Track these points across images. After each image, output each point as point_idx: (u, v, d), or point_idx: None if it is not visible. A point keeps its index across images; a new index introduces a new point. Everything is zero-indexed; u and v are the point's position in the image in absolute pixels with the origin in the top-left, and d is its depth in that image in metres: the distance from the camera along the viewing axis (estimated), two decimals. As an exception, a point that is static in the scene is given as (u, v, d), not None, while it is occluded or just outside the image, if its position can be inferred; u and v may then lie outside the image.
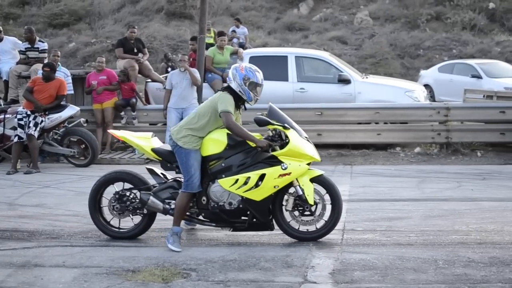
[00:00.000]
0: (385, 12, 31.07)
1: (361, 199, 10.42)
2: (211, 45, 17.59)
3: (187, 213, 8.10)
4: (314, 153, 8.04)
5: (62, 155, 14.06)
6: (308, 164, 7.97)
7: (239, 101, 8.01)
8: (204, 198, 8.03)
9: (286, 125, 7.95)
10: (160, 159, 8.25)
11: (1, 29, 17.30)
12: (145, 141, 8.44)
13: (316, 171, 8.03)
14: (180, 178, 8.15)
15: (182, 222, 8.16)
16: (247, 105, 8.16)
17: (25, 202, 10.67)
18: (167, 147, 8.23)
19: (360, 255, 7.45)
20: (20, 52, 16.46)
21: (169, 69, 20.18)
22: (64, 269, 7.23)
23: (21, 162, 13.71)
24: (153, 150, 8.26)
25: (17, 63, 16.32)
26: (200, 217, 8.18)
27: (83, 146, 13.87)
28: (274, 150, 7.91)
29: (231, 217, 8.05)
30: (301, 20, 31.55)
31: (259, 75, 8.00)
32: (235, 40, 23.16)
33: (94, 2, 33.62)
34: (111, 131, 9.36)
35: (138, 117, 15.44)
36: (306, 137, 8.11)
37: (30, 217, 9.63)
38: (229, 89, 7.99)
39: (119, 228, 8.43)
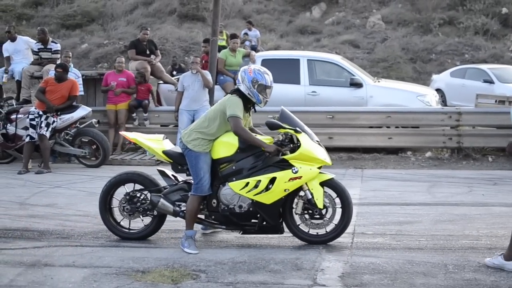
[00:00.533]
0: (398, 16, 31.02)
1: (371, 202, 10.39)
2: (224, 47, 17.61)
3: (199, 216, 8.11)
4: (326, 157, 8.02)
5: (73, 156, 14.11)
6: (319, 168, 7.96)
7: (248, 104, 8.01)
8: (214, 200, 8.02)
9: (297, 128, 7.93)
10: (171, 161, 8.25)
11: (12, 30, 17.37)
12: (156, 143, 8.44)
13: (327, 175, 8.01)
14: (190, 180, 8.13)
15: (199, 226, 8.18)
16: (258, 108, 8.16)
17: (36, 201, 10.69)
18: (178, 149, 8.22)
19: (370, 259, 7.44)
20: (33, 52, 16.55)
21: (174, 72, 20.19)
22: (74, 269, 7.25)
23: (32, 162, 13.77)
24: (164, 152, 8.25)
25: (30, 63, 16.39)
26: (210, 220, 8.17)
27: (95, 146, 13.91)
28: (284, 154, 7.90)
29: (241, 220, 8.04)
30: (313, 24, 31.53)
31: (268, 77, 7.98)
32: (247, 42, 23.19)
33: (107, 3, 33.71)
34: (122, 132, 9.37)
35: (150, 118, 15.48)
36: (317, 141, 8.08)
37: (40, 217, 9.66)
38: (238, 92, 7.98)
39: (129, 229, 8.44)
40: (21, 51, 16.87)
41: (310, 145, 7.92)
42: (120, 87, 15.19)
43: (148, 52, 16.49)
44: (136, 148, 14.82)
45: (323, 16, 32.57)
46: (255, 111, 8.20)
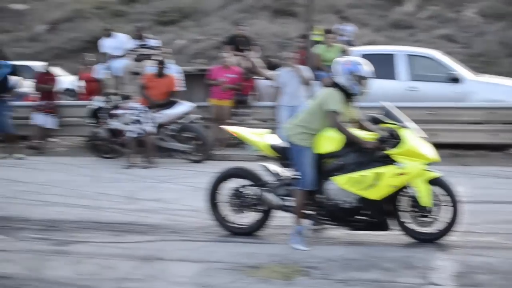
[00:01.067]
0: (493, 10, 30.33)
1: (480, 200, 10.07)
2: (319, 42, 17.55)
3: (306, 212, 8.10)
4: (432, 153, 7.92)
5: (176, 151, 14.23)
6: (426, 164, 7.86)
7: (348, 96, 7.95)
8: (320, 196, 8.00)
9: (401, 124, 7.86)
10: (277, 155, 8.29)
11: (110, 27, 17.74)
12: (261, 137, 8.50)
13: (434, 173, 7.89)
14: (295, 175, 8.14)
15: (309, 221, 8.17)
16: (362, 103, 8.10)
17: (143, 196, 10.85)
18: (283, 143, 8.24)
19: (482, 258, 7.32)
20: (132, 49, 16.81)
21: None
22: (187, 263, 7.38)
23: (137, 157, 13.93)
24: (270, 146, 8.30)
25: (129, 60, 16.66)
26: (318, 215, 8.16)
27: (197, 142, 14.02)
28: (385, 150, 7.82)
29: (347, 216, 8.00)
30: (407, 18, 31.05)
31: (365, 68, 7.89)
32: (342, 37, 23.00)
33: (200, -1, 33.97)
34: (227, 127, 9.43)
35: (250, 114, 15.53)
36: (423, 137, 8.00)
37: (149, 211, 9.81)
38: (336, 85, 7.94)
39: (237, 223, 8.50)
40: (118, 48, 17.16)
41: (415, 141, 7.85)
42: (230, 83, 15.19)
43: (244, 47, 16.55)
44: (237, 143, 14.79)
45: (417, 10, 32.10)
46: (355, 103, 8.10)
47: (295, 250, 7.66)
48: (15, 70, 15.67)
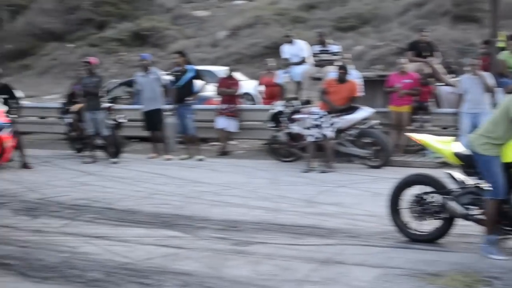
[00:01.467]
0: None
1: None
2: (503, 49, 17.03)
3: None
4: None
5: (355, 156, 14.22)
6: None
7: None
8: (506, 205, 7.77)
9: None
10: (460, 163, 8.14)
11: (290, 33, 18.02)
12: (445, 145, 8.38)
13: None
14: (481, 184, 7.95)
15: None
16: None
17: (322, 200, 10.88)
18: (468, 152, 8.06)
19: None
20: (313, 54, 16.97)
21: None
22: (365, 268, 7.35)
23: (315, 161, 13.97)
24: (454, 154, 8.16)
25: (309, 65, 16.82)
26: (502, 225, 7.92)
27: (376, 147, 13.94)
28: None
29: (535, 227, 7.74)
30: None
31: None
32: (527, 44, 22.20)
33: (379, 5, 33.79)
34: (410, 134, 9.35)
35: (431, 120, 15.30)
36: None
37: (328, 215, 9.83)
38: (517, 90, 7.69)
39: (418, 230, 8.39)
40: (299, 53, 17.34)
41: None
42: (406, 89, 15.09)
43: (426, 53, 16.33)
44: (417, 149, 14.64)
45: None
46: None
47: (475, 259, 7.48)
48: (198, 75, 16.17)
